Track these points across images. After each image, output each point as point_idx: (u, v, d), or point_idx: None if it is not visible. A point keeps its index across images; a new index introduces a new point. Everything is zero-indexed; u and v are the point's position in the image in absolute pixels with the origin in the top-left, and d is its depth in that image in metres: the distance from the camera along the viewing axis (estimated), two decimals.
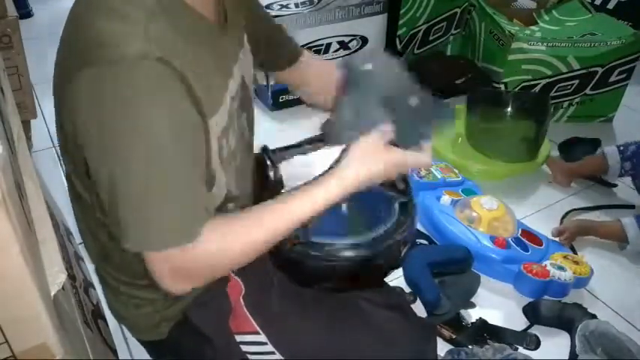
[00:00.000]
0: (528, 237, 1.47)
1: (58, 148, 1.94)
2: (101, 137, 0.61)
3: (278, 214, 0.70)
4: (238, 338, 0.81)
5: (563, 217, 1.65)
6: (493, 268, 1.41)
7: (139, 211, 0.63)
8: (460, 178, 1.68)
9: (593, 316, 1.30)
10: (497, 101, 1.82)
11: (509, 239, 1.43)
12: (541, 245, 1.46)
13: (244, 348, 0.81)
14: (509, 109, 1.79)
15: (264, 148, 0.91)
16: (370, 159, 0.74)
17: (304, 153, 0.92)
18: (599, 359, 1.19)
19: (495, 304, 1.37)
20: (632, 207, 1.70)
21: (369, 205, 0.90)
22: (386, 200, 0.87)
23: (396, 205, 0.86)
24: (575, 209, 1.69)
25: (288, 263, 0.84)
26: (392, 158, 0.75)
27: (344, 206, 0.92)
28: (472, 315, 1.32)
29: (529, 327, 1.31)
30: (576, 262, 1.40)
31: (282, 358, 0.80)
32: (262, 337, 0.81)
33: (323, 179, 0.73)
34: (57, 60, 0.68)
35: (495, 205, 1.49)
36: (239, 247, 0.69)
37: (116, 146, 0.61)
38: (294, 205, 0.71)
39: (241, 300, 0.83)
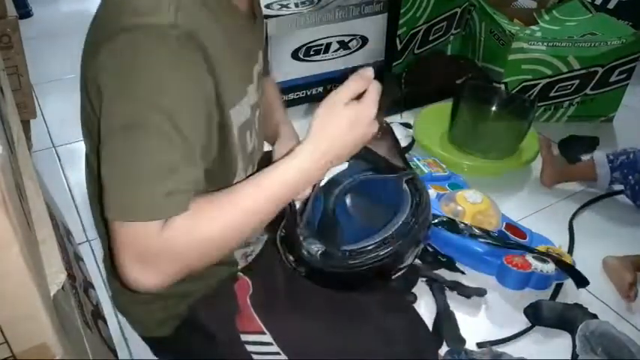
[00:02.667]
0: (512, 230, 1.48)
1: (58, 148, 1.96)
2: (113, 97, 0.61)
3: (252, 192, 0.66)
4: (243, 338, 0.82)
5: (572, 220, 1.63)
6: (476, 260, 1.43)
7: (122, 179, 0.61)
8: (447, 173, 1.69)
9: (594, 317, 1.30)
10: (484, 97, 1.83)
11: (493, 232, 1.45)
12: (525, 238, 1.48)
13: (249, 348, 0.81)
14: (494, 106, 1.81)
15: None
16: (330, 124, 0.69)
17: None
18: (599, 359, 1.19)
19: (478, 297, 1.37)
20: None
21: (378, 196, 0.89)
22: (391, 185, 0.84)
23: (405, 186, 0.82)
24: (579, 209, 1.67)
25: (318, 274, 0.81)
26: (349, 115, 0.69)
27: (352, 209, 0.91)
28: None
29: (531, 327, 1.31)
30: (559, 255, 1.41)
31: (286, 358, 0.80)
32: (268, 338, 0.81)
33: (289, 155, 0.69)
34: (88, 35, 0.68)
35: (480, 199, 1.51)
36: (215, 231, 0.64)
37: (121, 109, 0.61)
38: (266, 182, 0.67)
39: (248, 300, 0.83)
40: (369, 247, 0.77)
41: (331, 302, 0.86)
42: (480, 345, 1.26)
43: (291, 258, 0.80)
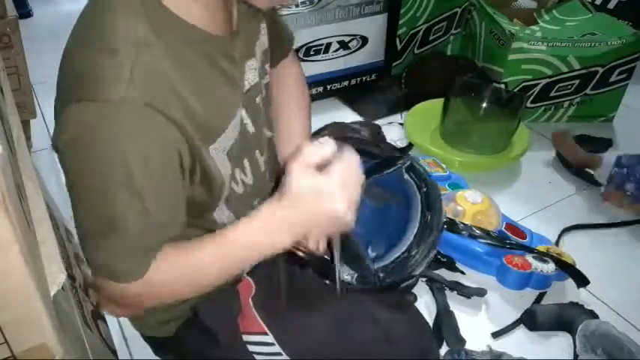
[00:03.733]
0: (512, 230, 1.48)
1: None
2: (73, 171, 0.62)
3: (214, 255, 0.68)
4: (245, 338, 0.82)
5: (560, 235, 1.60)
6: (476, 260, 1.43)
7: (88, 237, 0.65)
8: (447, 173, 1.70)
9: (592, 314, 1.30)
10: (475, 93, 1.84)
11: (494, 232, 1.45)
12: (525, 238, 1.48)
13: (251, 348, 0.81)
14: (484, 102, 1.82)
15: None
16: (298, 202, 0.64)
17: None
18: (599, 359, 1.19)
19: (478, 297, 1.37)
20: (637, 222, 1.65)
21: (384, 194, 0.89)
22: (394, 179, 0.84)
23: (406, 175, 0.83)
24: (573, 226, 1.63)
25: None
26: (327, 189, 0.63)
27: (366, 216, 0.88)
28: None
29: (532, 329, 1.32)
30: (559, 255, 1.41)
31: (288, 358, 0.80)
32: (269, 338, 0.81)
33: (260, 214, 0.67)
34: (57, 85, 0.66)
35: (480, 199, 1.51)
36: (173, 285, 0.70)
37: (84, 180, 0.62)
38: (230, 248, 0.68)
39: (250, 300, 0.83)
40: (399, 259, 0.77)
41: (333, 302, 0.86)
42: (494, 334, 1.28)
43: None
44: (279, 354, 0.80)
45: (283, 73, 0.94)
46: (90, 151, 0.59)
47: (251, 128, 0.78)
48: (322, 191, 0.62)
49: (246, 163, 0.78)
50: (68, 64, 0.63)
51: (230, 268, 0.72)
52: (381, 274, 0.79)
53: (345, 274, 0.78)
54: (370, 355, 0.82)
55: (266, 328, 0.81)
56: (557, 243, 1.56)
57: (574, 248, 1.53)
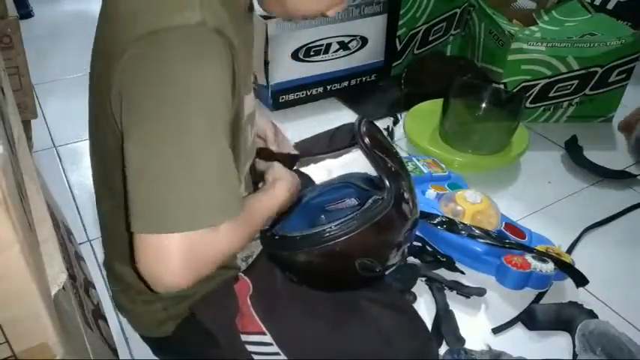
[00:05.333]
0: (512, 230, 1.49)
1: (58, 148, 1.95)
2: (145, 99, 0.60)
3: (259, 209, 0.77)
4: (244, 338, 0.82)
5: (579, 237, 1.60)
6: (475, 260, 1.43)
7: (166, 186, 0.59)
8: (447, 173, 1.70)
9: (592, 313, 1.30)
10: (474, 94, 1.84)
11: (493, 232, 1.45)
12: (524, 238, 1.48)
13: (249, 348, 0.82)
14: (484, 102, 1.82)
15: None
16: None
17: (335, 157, 0.95)
18: (598, 359, 1.19)
19: (478, 297, 1.38)
20: None
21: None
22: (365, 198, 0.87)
23: (370, 201, 0.84)
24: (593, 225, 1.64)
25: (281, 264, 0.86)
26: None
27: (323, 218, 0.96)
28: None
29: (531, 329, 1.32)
30: (558, 255, 1.41)
31: (286, 358, 0.80)
32: (268, 338, 0.81)
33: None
34: (101, 32, 0.68)
35: (479, 199, 1.51)
36: (241, 239, 0.70)
37: (158, 110, 0.59)
38: (263, 204, 0.79)
39: (248, 300, 0.83)
40: (323, 229, 0.79)
41: (331, 303, 0.86)
42: (495, 330, 1.29)
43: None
44: (277, 354, 0.80)
45: None
46: (166, 80, 0.59)
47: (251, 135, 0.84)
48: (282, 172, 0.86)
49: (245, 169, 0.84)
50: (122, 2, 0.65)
51: (261, 222, 0.79)
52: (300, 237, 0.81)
53: (274, 231, 0.85)
54: (369, 355, 0.82)
55: (264, 328, 0.81)
56: (575, 243, 1.56)
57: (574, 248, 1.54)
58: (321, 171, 0.97)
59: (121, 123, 0.63)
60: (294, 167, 0.99)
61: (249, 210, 0.71)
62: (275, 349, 0.81)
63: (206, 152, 0.60)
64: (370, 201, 0.82)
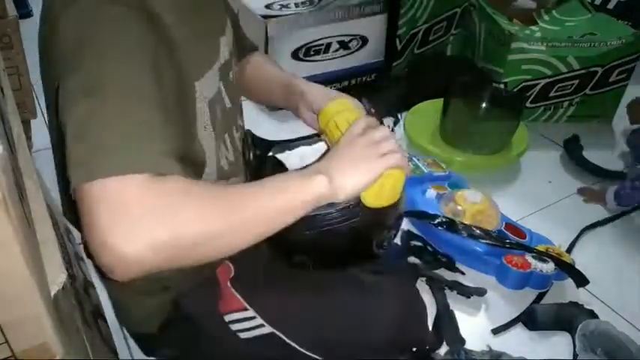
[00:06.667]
0: (512, 230, 1.49)
1: None
2: (71, 62, 0.59)
3: (264, 199, 0.61)
4: (227, 318, 0.81)
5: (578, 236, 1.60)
6: (475, 260, 1.43)
7: (93, 132, 0.53)
8: (447, 172, 1.70)
9: (591, 313, 1.30)
10: (475, 93, 1.84)
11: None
12: (524, 238, 1.48)
13: (234, 327, 0.81)
14: (484, 102, 1.83)
15: (247, 132, 0.92)
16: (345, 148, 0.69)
17: (309, 144, 0.93)
18: (599, 359, 1.19)
19: (478, 297, 1.37)
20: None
21: None
22: None
23: None
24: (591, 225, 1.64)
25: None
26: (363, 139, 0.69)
27: None
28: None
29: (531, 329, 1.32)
30: (558, 255, 1.41)
31: (271, 329, 0.80)
32: (250, 312, 0.80)
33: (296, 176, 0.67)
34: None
35: (479, 199, 1.51)
36: (209, 205, 0.56)
37: (87, 64, 0.58)
38: (266, 198, 0.61)
39: (229, 282, 0.83)
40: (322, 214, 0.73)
41: (311, 281, 0.85)
42: (494, 331, 1.29)
43: None
44: (261, 325, 0.80)
45: (253, 59, 1.02)
46: (82, 42, 0.59)
47: (227, 102, 0.81)
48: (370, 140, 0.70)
49: (227, 137, 0.81)
50: None
51: (269, 220, 0.62)
52: None
53: None
54: (352, 312, 0.81)
55: (246, 304, 0.80)
56: (574, 242, 1.56)
57: (574, 248, 1.54)
58: (294, 158, 0.94)
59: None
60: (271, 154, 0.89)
61: (240, 192, 0.61)
62: (259, 321, 0.80)
63: (127, 104, 0.56)
64: None
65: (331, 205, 0.69)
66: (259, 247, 0.83)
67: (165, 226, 0.52)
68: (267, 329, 0.80)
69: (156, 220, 0.51)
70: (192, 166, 0.72)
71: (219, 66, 0.77)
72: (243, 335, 0.81)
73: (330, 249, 0.79)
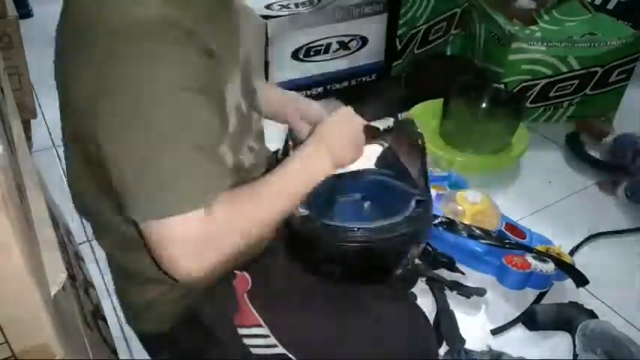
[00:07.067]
0: (512, 230, 1.49)
1: (58, 148, 1.95)
2: (113, 104, 0.61)
3: (277, 191, 0.72)
4: (241, 331, 0.82)
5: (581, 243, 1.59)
6: (476, 260, 1.44)
7: (151, 174, 0.61)
8: (447, 172, 1.70)
9: (591, 313, 1.30)
10: (475, 93, 1.85)
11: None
12: (524, 238, 1.48)
13: (247, 341, 0.81)
14: (485, 102, 1.83)
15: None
16: (331, 134, 0.80)
17: None
18: (599, 359, 1.19)
19: (478, 297, 1.37)
20: None
21: (385, 199, 0.91)
22: (403, 196, 0.88)
23: (413, 203, 0.86)
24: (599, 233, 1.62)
25: (296, 239, 0.85)
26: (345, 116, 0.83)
27: (358, 195, 0.95)
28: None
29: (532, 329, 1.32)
30: (558, 255, 1.41)
31: (284, 351, 0.80)
32: (265, 330, 0.81)
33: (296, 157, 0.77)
34: (59, 36, 0.70)
35: (479, 199, 1.52)
36: (250, 215, 0.69)
37: (129, 110, 0.61)
38: (289, 182, 0.74)
39: (246, 295, 0.83)
40: (350, 228, 0.80)
41: (329, 296, 0.86)
42: (493, 331, 1.29)
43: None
44: (274, 346, 0.80)
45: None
46: (129, 78, 0.60)
47: (245, 108, 0.81)
48: (340, 122, 0.84)
49: (246, 141, 0.82)
50: None
51: (286, 204, 0.74)
52: (326, 226, 0.81)
53: (301, 209, 0.80)
54: (364, 342, 0.82)
55: (261, 321, 0.81)
56: (577, 248, 1.56)
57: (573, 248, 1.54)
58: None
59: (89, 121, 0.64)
60: None
61: (261, 190, 0.71)
62: (272, 340, 0.80)
63: (171, 144, 0.62)
64: (413, 202, 0.85)
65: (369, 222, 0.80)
66: (276, 258, 0.85)
67: (216, 253, 0.65)
68: (280, 350, 0.80)
69: (208, 252, 0.64)
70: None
71: (240, 69, 0.78)
72: (255, 351, 0.81)
73: (363, 263, 0.84)
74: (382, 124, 0.97)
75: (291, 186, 0.74)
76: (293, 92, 1.03)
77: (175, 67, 0.61)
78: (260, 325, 0.81)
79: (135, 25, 0.60)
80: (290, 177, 0.75)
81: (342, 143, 0.81)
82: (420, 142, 0.94)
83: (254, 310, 0.82)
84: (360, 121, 0.85)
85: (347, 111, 0.85)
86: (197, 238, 0.63)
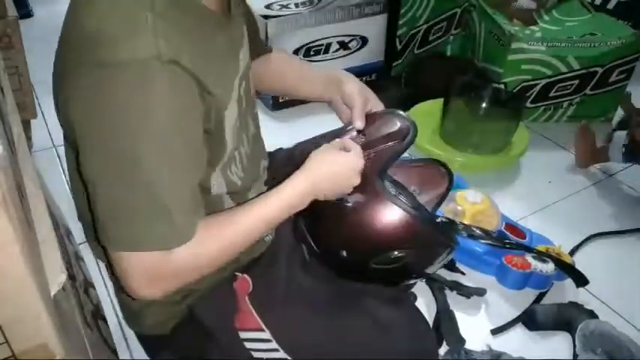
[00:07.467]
0: (512, 230, 1.49)
1: (58, 148, 1.95)
2: (102, 137, 0.62)
3: (253, 217, 0.74)
4: (242, 335, 0.82)
5: (581, 243, 1.59)
6: (476, 260, 1.44)
7: (120, 211, 0.64)
8: None
9: (591, 313, 1.30)
10: (475, 94, 1.85)
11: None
12: (524, 238, 1.48)
13: (248, 345, 0.81)
14: (484, 102, 1.83)
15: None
16: (322, 164, 0.80)
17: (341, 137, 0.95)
18: (599, 359, 1.19)
19: (478, 297, 1.38)
20: None
21: None
22: None
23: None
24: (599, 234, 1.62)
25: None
26: (345, 161, 0.81)
27: None
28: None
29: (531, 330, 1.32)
30: (558, 255, 1.41)
31: (285, 355, 0.80)
32: (266, 334, 0.81)
33: (284, 185, 0.77)
34: (57, 54, 0.69)
35: (479, 199, 1.52)
36: (215, 252, 0.71)
37: (110, 147, 0.62)
38: (266, 209, 0.75)
39: (247, 298, 0.83)
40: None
41: (330, 299, 0.86)
42: (493, 331, 1.29)
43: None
44: (276, 350, 0.80)
45: (275, 56, 1.05)
46: (117, 114, 0.60)
47: (243, 124, 0.81)
48: (338, 162, 0.81)
49: (237, 155, 0.80)
50: (73, 24, 0.65)
51: (265, 229, 0.77)
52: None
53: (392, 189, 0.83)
54: (364, 345, 0.82)
55: (263, 325, 0.81)
56: (577, 248, 1.55)
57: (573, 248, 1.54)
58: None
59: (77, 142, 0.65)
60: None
61: (232, 218, 0.73)
62: (274, 345, 0.80)
63: (148, 185, 0.63)
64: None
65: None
66: (278, 260, 0.85)
67: (174, 283, 0.70)
68: (282, 354, 0.80)
69: (164, 284, 0.69)
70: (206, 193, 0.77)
71: (238, 77, 0.78)
72: (256, 355, 0.81)
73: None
74: None
75: (271, 218, 0.76)
76: (336, 71, 1.00)
77: (166, 106, 0.61)
78: (262, 330, 0.81)
79: (132, 62, 0.59)
80: (271, 209, 0.76)
81: (332, 188, 0.81)
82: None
83: (255, 314, 0.82)
84: (360, 165, 0.82)
85: (350, 157, 0.82)
86: (152, 274, 0.66)
